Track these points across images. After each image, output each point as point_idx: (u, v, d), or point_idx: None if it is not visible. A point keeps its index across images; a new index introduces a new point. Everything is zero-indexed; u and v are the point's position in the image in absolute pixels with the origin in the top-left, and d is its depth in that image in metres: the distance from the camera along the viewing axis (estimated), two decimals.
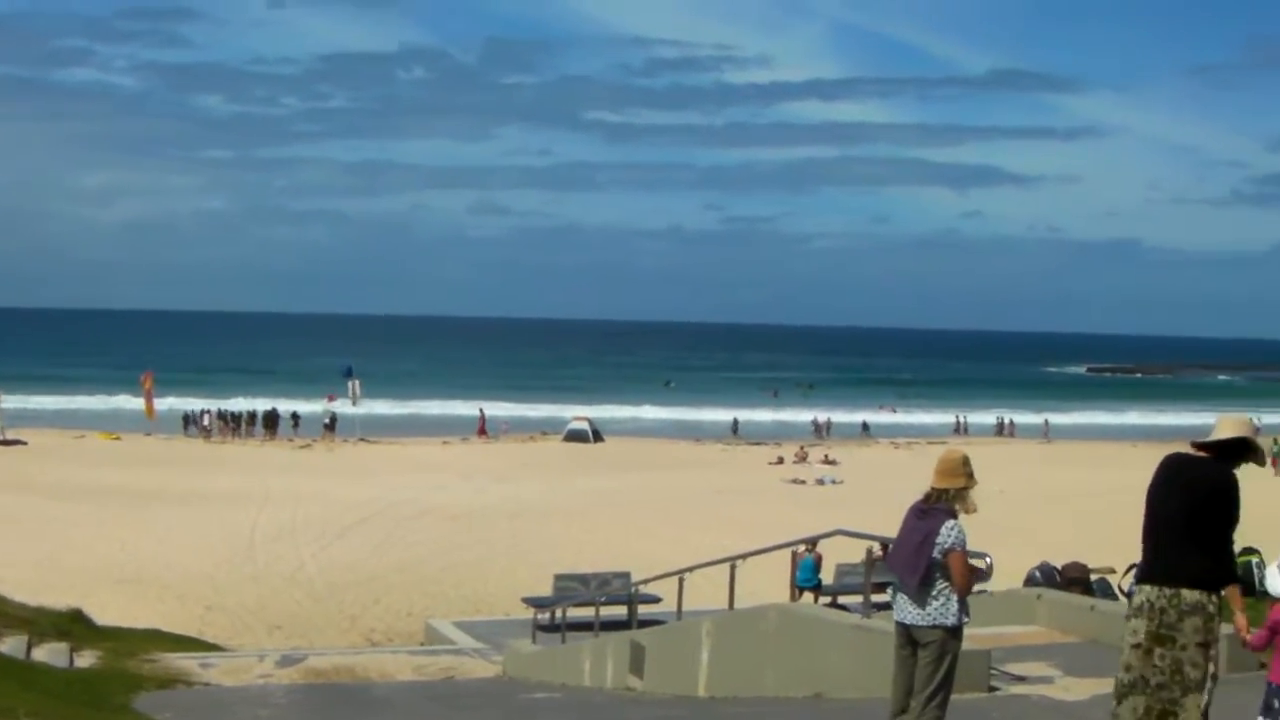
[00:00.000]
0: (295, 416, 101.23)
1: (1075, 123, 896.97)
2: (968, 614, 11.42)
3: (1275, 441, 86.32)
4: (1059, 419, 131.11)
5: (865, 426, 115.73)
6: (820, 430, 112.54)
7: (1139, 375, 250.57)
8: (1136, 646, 10.08)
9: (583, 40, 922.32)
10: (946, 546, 11.12)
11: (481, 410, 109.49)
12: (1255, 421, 10.53)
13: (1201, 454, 10.34)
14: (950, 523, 11.18)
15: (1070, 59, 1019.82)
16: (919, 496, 11.55)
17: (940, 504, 11.30)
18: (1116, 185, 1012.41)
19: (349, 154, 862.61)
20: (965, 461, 11.46)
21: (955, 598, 11.26)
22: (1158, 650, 9.99)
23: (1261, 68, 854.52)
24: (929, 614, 11.22)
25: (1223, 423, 10.52)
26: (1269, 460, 77.31)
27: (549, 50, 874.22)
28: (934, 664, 11.22)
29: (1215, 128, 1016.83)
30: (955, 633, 11.28)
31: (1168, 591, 9.98)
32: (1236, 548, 10.38)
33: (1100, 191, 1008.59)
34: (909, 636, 11.38)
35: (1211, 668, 10.07)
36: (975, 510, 11.37)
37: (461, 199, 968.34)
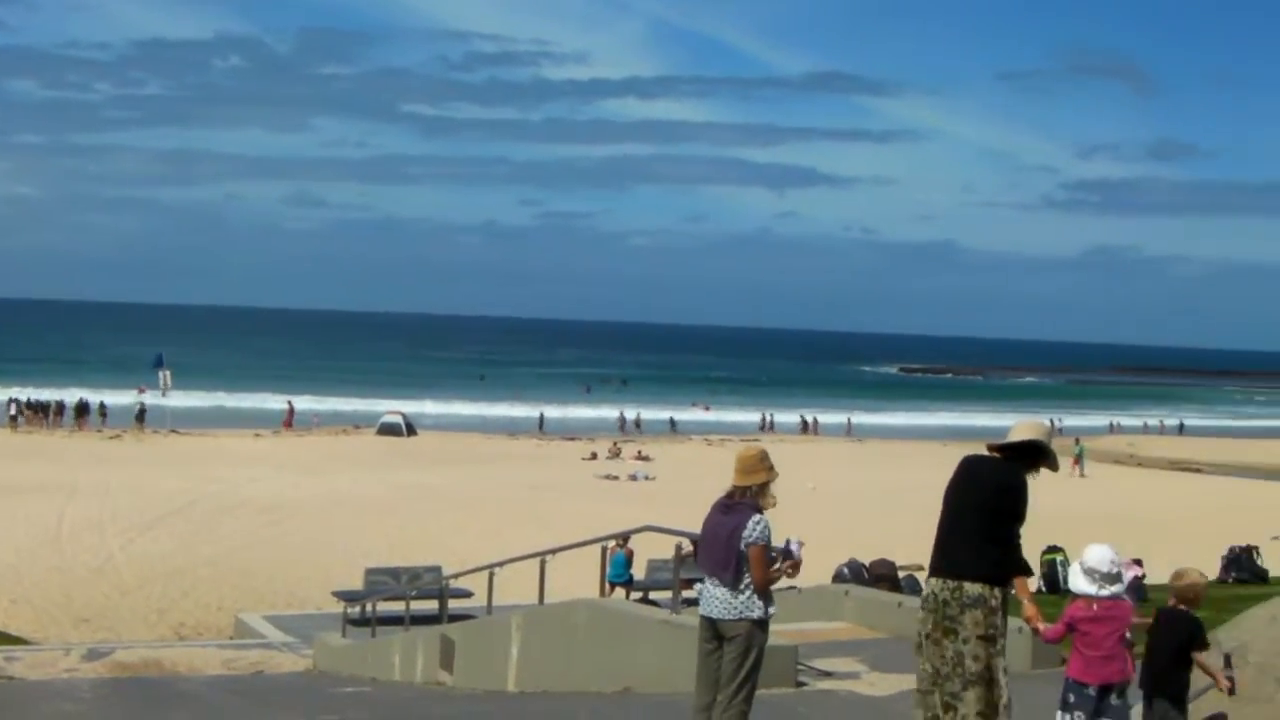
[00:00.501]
0: (103, 407, 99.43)
1: (890, 126, 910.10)
2: (774, 606, 11.51)
3: (1077, 443, 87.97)
4: (871, 419, 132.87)
5: (673, 423, 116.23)
6: (625, 426, 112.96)
7: (950, 376, 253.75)
8: (926, 638, 10.40)
9: (400, 32, 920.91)
10: (750, 540, 11.18)
11: (290, 403, 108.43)
12: (1051, 425, 10.84)
13: (995, 455, 10.68)
14: (756, 517, 11.26)
15: (886, 63, 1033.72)
16: (722, 493, 11.62)
17: (745, 500, 11.36)
18: (930, 188, 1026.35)
19: (163, 142, 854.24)
20: (764, 456, 11.55)
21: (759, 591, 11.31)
22: (945, 642, 10.30)
23: (1072, 75, 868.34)
24: (736, 607, 11.26)
25: (1018, 426, 10.91)
26: (1070, 462, 79.11)
27: (366, 41, 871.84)
28: (740, 657, 11.27)
29: (1028, 133, 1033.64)
30: (762, 625, 11.36)
31: (951, 584, 10.32)
32: (1042, 546, 10.69)
33: (914, 194, 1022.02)
34: (715, 631, 11.42)
35: (1000, 661, 10.38)
36: (775, 504, 11.49)
37: (277, 190, 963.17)
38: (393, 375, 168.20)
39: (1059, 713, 10.75)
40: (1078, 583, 10.73)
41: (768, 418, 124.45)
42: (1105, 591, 10.59)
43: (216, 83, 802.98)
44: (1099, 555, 10.66)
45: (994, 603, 10.34)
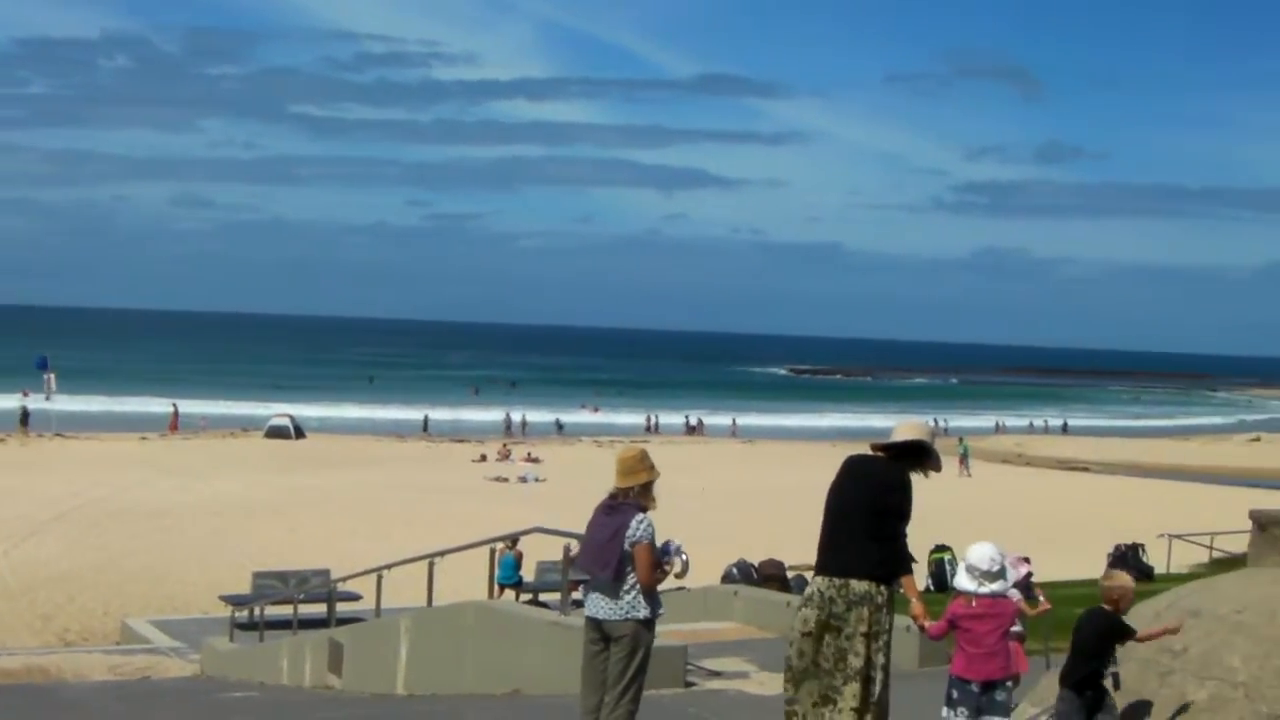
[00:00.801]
0: None
1: (779, 128, 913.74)
2: (661, 606, 11.47)
3: (961, 442, 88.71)
4: (760, 420, 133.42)
5: (559, 425, 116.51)
6: (511, 428, 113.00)
7: (840, 377, 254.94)
8: (808, 634, 10.38)
9: (289, 32, 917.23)
10: (635, 539, 11.09)
11: (174, 405, 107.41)
12: (934, 425, 10.90)
13: (879, 454, 10.75)
14: (639, 516, 11.17)
15: (775, 65, 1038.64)
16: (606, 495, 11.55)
17: (628, 500, 11.27)
18: (819, 190, 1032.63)
19: (48, 142, 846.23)
20: (644, 457, 11.48)
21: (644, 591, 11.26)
22: (826, 638, 10.33)
23: (959, 78, 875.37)
24: (621, 607, 11.19)
25: (901, 426, 10.98)
26: (955, 461, 79.71)
27: (254, 41, 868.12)
28: (627, 658, 11.21)
29: (916, 136, 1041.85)
30: (648, 625, 11.29)
31: (837, 582, 10.34)
32: (930, 545, 10.77)
33: (803, 196, 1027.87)
34: (601, 632, 11.34)
35: (881, 659, 10.42)
36: (655, 506, 11.40)
37: (164, 191, 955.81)
38: (281, 377, 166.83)
39: (944, 709, 10.81)
40: (960, 580, 10.79)
41: (653, 419, 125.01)
42: (986, 589, 10.65)
43: (103, 82, 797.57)
44: (981, 553, 10.73)
45: (880, 600, 10.38)
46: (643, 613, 11.22)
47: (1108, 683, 10.50)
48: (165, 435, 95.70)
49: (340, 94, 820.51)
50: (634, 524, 11.13)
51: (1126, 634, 10.42)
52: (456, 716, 16.37)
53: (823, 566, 10.54)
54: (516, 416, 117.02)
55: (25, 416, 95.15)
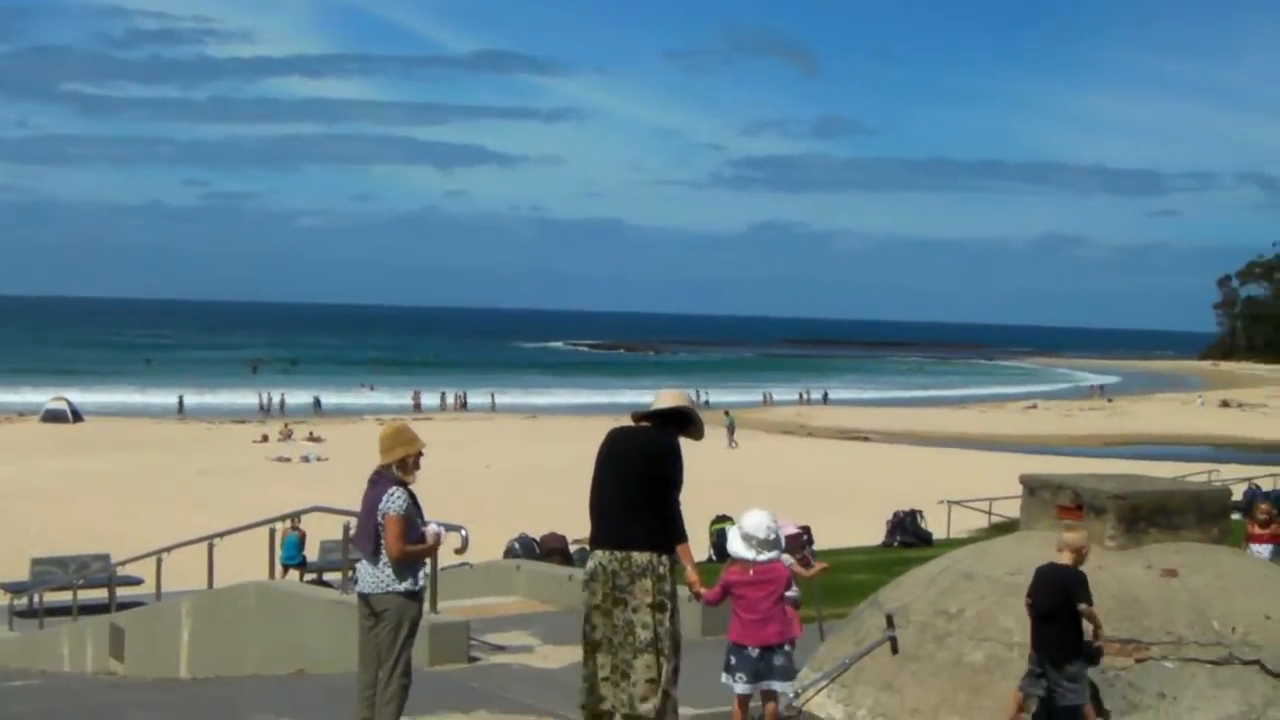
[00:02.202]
0: None
1: (558, 104, 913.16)
2: (420, 580, 11.42)
3: (727, 415, 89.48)
4: (541, 396, 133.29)
5: (318, 403, 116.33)
6: (270, 409, 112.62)
7: (621, 351, 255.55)
8: (597, 609, 10.58)
9: (58, 8, 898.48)
10: (385, 510, 11.08)
11: None
12: (692, 395, 11.08)
13: (643, 424, 10.95)
14: (392, 489, 11.15)
15: (553, 42, 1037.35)
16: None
17: (386, 474, 11.27)
18: (599, 166, 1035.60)
19: None
20: (399, 432, 11.49)
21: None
22: (615, 612, 10.52)
23: (737, 55, 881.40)
24: (382, 581, 11.18)
25: (661, 395, 11.18)
26: (724, 433, 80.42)
27: (22, 16, 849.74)
28: (394, 632, 11.17)
29: (695, 112, 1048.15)
30: (411, 597, 11.27)
31: (619, 555, 10.52)
32: (710, 516, 10.92)
33: (582, 172, 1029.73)
34: (370, 606, 11.31)
35: (668, 626, 10.59)
36: (413, 480, 11.33)
37: None
38: (54, 361, 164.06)
39: (723, 674, 10.99)
40: (735, 547, 10.98)
41: (418, 396, 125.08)
42: (762, 556, 10.85)
43: None
44: (756, 521, 10.92)
45: (662, 570, 10.56)
46: (402, 585, 11.18)
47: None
48: None
49: (113, 72, 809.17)
50: (385, 497, 11.12)
51: (1085, 598, 10.40)
52: (239, 698, 16.29)
53: (600, 539, 10.70)
54: (278, 397, 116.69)
55: None
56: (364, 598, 11.35)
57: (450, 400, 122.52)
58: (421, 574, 11.45)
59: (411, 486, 11.33)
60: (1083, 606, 10.31)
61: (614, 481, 10.69)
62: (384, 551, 11.13)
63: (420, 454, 11.40)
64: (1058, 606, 10.36)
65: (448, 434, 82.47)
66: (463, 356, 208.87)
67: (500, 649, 16.42)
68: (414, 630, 11.35)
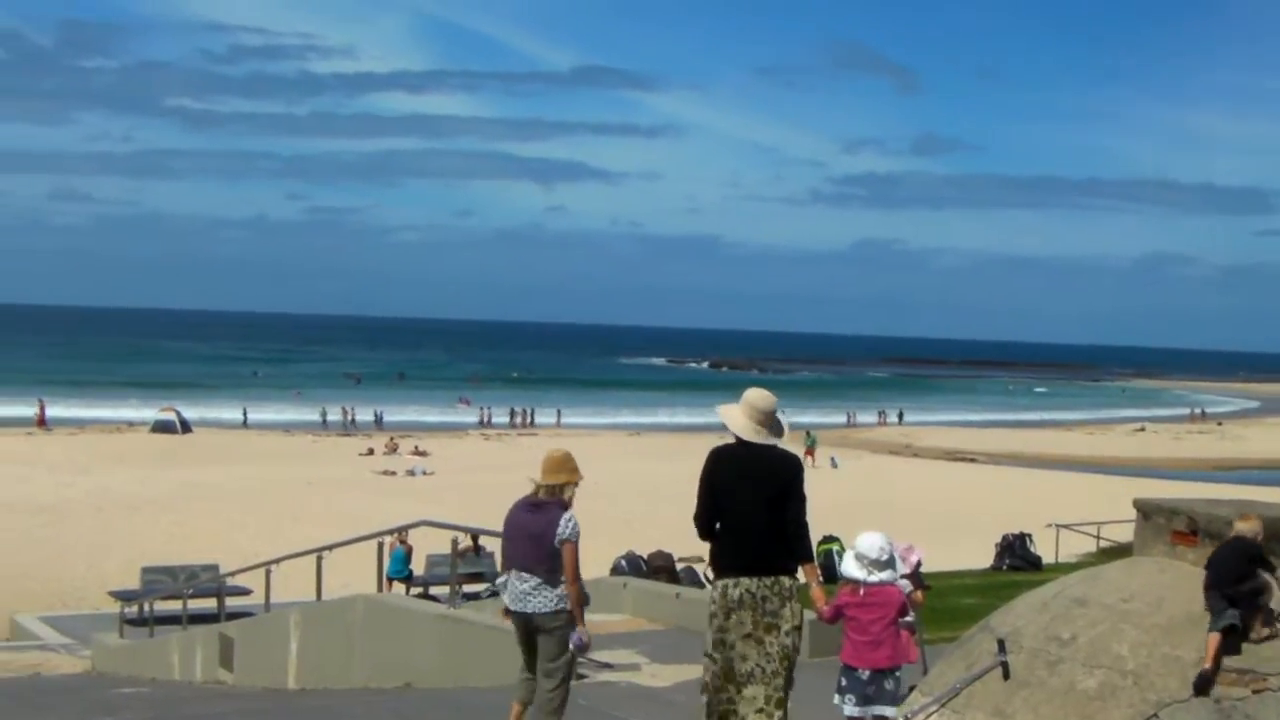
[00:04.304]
0: None
1: (657, 120, 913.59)
2: (588, 601, 11.81)
3: (808, 434, 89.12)
4: (639, 416, 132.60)
5: (379, 419, 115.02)
6: (350, 422, 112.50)
7: (725, 370, 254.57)
8: (748, 637, 10.40)
9: (162, 25, 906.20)
10: (564, 537, 11.36)
11: (41, 401, 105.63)
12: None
13: (760, 442, 10.71)
14: (566, 515, 11.44)
15: (651, 58, 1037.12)
16: (527, 492, 11.74)
17: (552, 498, 11.51)
18: (697, 182, 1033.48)
19: None
20: (568, 458, 11.72)
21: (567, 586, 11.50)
22: (768, 639, 10.39)
23: (834, 70, 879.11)
24: (551, 600, 11.46)
25: (784, 424, 10.96)
26: (803, 451, 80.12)
27: (128, 34, 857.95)
28: (556, 650, 11.52)
29: (793, 128, 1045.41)
30: (573, 618, 11.57)
31: (767, 581, 10.40)
32: (816, 536, 10.84)
33: (681, 188, 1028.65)
34: (534, 624, 11.59)
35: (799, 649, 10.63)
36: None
37: (40, 185, 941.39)
38: (165, 372, 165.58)
39: (835, 695, 10.97)
40: (848, 568, 10.94)
41: (527, 412, 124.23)
42: (874, 578, 10.81)
43: None
44: (869, 542, 10.87)
45: (799, 592, 10.54)
46: (568, 605, 11.48)
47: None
48: (51, 430, 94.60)
49: (216, 87, 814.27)
50: (562, 522, 11.38)
51: (1268, 563, 10.27)
52: (347, 711, 16.40)
53: (744, 564, 10.48)
54: (364, 414, 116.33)
55: None
56: (527, 615, 11.59)
57: (519, 418, 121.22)
58: (589, 597, 11.88)
59: None
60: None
61: (750, 503, 10.45)
62: (555, 574, 11.41)
63: (576, 484, 11.67)
64: (1242, 573, 10.29)
65: (544, 450, 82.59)
66: (563, 372, 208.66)
67: (608, 666, 16.44)
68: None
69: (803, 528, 10.59)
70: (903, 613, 11.04)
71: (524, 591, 11.58)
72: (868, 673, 10.78)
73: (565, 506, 11.51)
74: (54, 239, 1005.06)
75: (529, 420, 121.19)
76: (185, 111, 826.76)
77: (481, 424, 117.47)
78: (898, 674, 10.96)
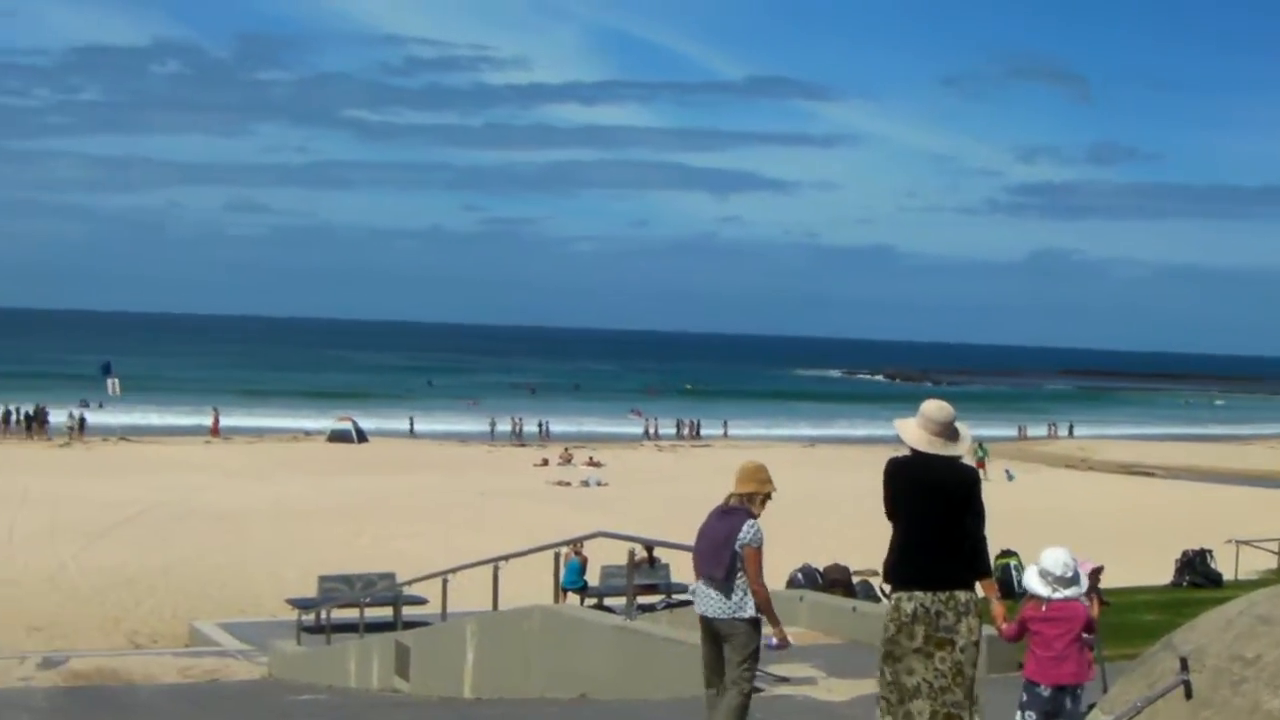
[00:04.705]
0: (38, 413, 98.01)
1: (831, 130, 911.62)
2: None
3: (980, 447, 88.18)
4: (814, 427, 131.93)
5: (543, 429, 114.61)
6: (521, 433, 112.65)
7: (897, 381, 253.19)
8: (918, 651, 10.34)
9: (338, 38, 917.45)
10: (745, 542, 11.62)
11: (215, 411, 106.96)
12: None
13: (934, 454, 10.64)
14: (750, 522, 11.71)
15: (826, 67, 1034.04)
16: (720, 500, 12.05)
17: (740, 505, 11.82)
18: (872, 192, 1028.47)
19: (102, 148, 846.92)
20: (759, 469, 12.06)
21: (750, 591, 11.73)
22: (939, 654, 10.31)
23: (1010, 79, 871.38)
24: (729, 607, 11.69)
25: (965, 436, 10.85)
26: (974, 464, 79.13)
27: (304, 47, 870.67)
28: (740, 657, 11.73)
29: (968, 138, 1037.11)
30: (755, 625, 11.79)
31: (942, 595, 10.32)
32: (994, 550, 10.74)
33: (855, 198, 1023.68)
34: (711, 629, 11.88)
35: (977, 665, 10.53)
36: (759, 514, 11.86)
37: (218, 196, 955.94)
38: (340, 382, 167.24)
39: (1017, 712, 10.87)
40: (1032, 583, 10.83)
41: (694, 424, 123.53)
42: (1059, 594, 10.70)
43: (155, 89, 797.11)
44: (1053, 558, 10.76)
45: (977, 607, 10.47)
46: (749, 612, 11.71)
47: None
48: (229, 439, 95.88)
49: (391, 99, 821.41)
50: (745, 528, 11.70)
51: None
52: None
53: (918, 578, 10.44)
54: (533, 424, 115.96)
55: (81, 423, 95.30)
56: (707, 620, 11.87)
57: (685, 430, 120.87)
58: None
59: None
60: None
61: (925, 516, 10.41)
62: (736, 579, 11.69)
63: (769, 495, 11.98)
64: None
65: (718, 461, 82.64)
66: (736, 384, 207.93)
67: (784, 680, 16.36)
68: (756, 654, 11.87)
69: (980, 542, 10.51)
70: (1088, 629, 10.93)
71: (708, 596, 11.84)
72: (1050, 689, 10.68)
73: (752, 514, 11.75)
74: (231, 250, 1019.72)
75: (696, 432, 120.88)
76: (361, 123, 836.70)
77: (647, 435, 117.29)
78: (1079, 691, 10.85)
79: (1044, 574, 10.75)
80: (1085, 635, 10.94)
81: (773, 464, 12.96)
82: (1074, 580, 10.78)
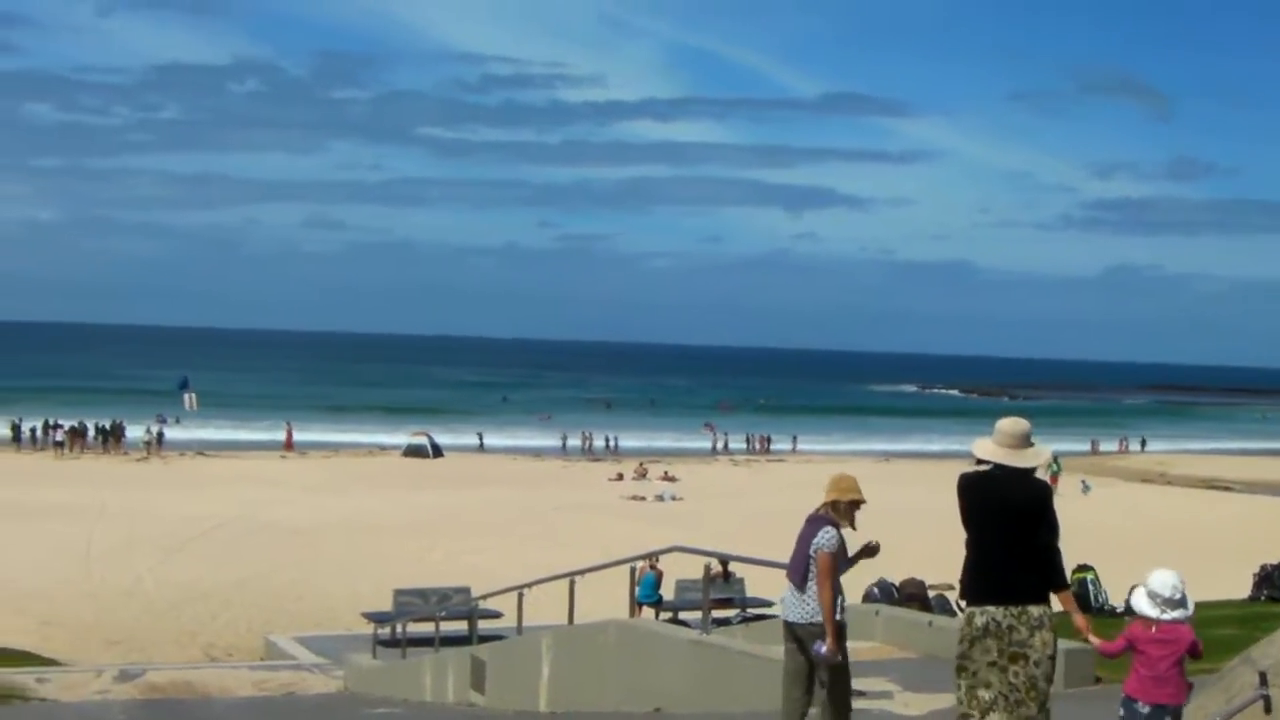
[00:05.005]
0: (114, 428, 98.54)
1: (906, 146, 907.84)
2: (843, 611, 12.17)
3: (1055, 461, 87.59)
4: (889, 442, 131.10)
5: (609, 443, 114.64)
6: (592, 448, 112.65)
7: (975, 396, 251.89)
8: (992, 665, 10.37)
9: (414, 56, 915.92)
10: (817, 546, 11.94)
11: (288, 424, 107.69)
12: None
13: (1005, 469, 10.64)
14: (826, 529, 12.00)
15: (900, 83, 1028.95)
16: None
17: (823, 514, 12.14)
18: (947, 208, 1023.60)
19: (181, 165, 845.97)
20: (840, 479, 12.38)
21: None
22: (1012, 668, 10.33)
23: (1085, 95, 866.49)
24: (806, 612, 12.01)
25: (1040, 449, 10.87)
26: (1048, 479, 78.65)
27: (380, 65, 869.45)
28: (820, 664, 12.02)
29: (1043, 153, 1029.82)
30: (838, 629, 12.01)
31: (1014, 610, 10.33)
32: (1070, 565, 10.68)
33: (931, 214, 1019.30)
34: (794, 634, 12.17)
35: (1052, 679, 10.53)
36: (846, 524, 12.20)
37: (294, 213, 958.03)
38: (416, 397, 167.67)
39: None
40: (1140, 604, 10.75)
41: (764, 439, 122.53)
42: (1167, 615, 10.63)
43: (233, 106, 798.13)
44: (1162, 580, 10.67)
45: (1053, 621, 10.45)
46: (818, 616, 11.99)
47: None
48: (285, 456, 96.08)
49: (467, 116, 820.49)
50: (820, 534, 12.01)
51: None
52: None
53: (991, 593, 10.46)
54: (602, 440, 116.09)
55: (159, 437, 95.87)
56: (789, 625, 12.18)
57: (755, 444, 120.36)
58: (840, 608, 12.09)
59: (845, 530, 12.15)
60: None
61: (996, 531, 10.43)
62: (809, 584, 12.01)
63: (854, 503, 12.25)
64: None
65: (798, 476, 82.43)
66: (811, 399, 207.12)
67: (860, 694, 16.27)
68: (843, 664, 12.17)
69: (1055, 555, 10.55)
70: (1193, 652, 10.85)
71: (789, 601, 12.23)
72: (1149, 708, 10.59)
73: (831, 522, 12.01)
74: (307, 266, 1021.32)
75: (767, 447, 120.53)
76: (436, 140, 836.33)
77: (714, 450, 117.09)
78: (1179, 711, 10.77)
79: (1152, 595, 10.66)
80: (1192, 656, 10.87)
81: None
82: (1181, 602, 10.71)
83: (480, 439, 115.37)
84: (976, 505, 10.58)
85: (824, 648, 11.93)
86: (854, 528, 12.27)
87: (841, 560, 12.14)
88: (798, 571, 12.07)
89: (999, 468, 10.63)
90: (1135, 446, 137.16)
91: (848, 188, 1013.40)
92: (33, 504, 60.38)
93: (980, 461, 10.81)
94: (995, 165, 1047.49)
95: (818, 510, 12.24)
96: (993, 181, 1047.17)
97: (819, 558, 11.95)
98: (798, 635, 12.12)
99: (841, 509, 12.14)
